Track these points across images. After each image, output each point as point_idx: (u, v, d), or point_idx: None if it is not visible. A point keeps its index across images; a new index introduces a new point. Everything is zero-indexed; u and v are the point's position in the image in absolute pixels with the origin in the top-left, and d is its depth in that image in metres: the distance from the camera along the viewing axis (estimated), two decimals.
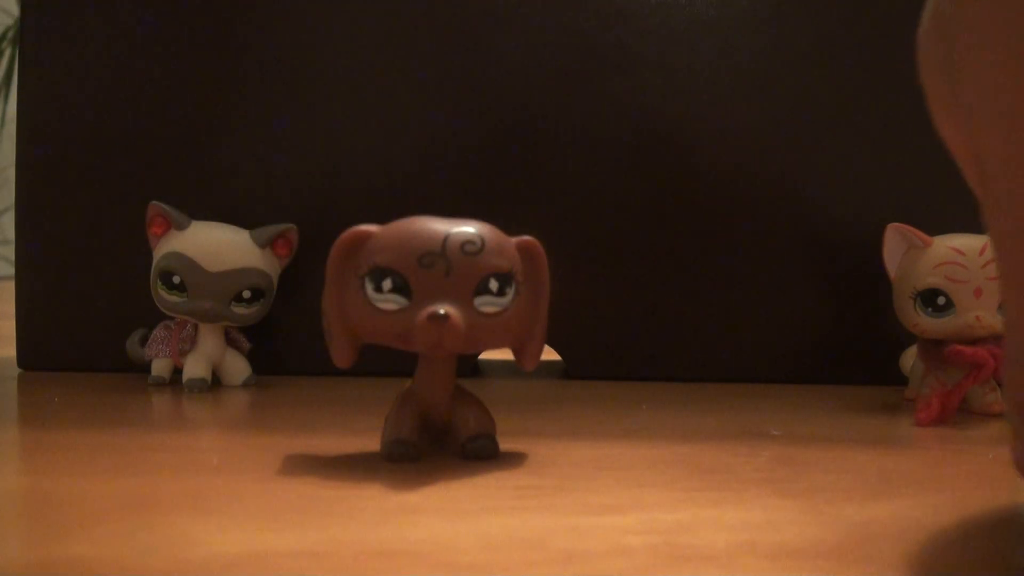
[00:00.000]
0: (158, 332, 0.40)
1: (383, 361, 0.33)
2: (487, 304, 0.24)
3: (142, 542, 0.18)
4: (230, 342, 0.40)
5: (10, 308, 0.45)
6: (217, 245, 0.39)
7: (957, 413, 0.34)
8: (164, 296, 0.38)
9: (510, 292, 0.24)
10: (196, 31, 0.44)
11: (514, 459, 0.26)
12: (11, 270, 0.46)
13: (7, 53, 1.72)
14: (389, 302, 0.24)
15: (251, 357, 0.41)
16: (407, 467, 0.24)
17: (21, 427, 0.30)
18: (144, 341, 0.41)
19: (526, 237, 0.26)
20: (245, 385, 0.40)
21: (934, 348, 0.35)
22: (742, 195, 0.44)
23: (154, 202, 0.39)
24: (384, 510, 0.20)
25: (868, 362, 0.43)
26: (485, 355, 0.47)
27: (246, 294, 0.39)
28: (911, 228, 0.36)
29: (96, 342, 0.43)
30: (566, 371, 0.45)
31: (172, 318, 0.40)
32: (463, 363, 0.41)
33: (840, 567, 0.17)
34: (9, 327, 0.45)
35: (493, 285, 0.24)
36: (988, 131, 0.16)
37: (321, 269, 0.25)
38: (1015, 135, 0.16)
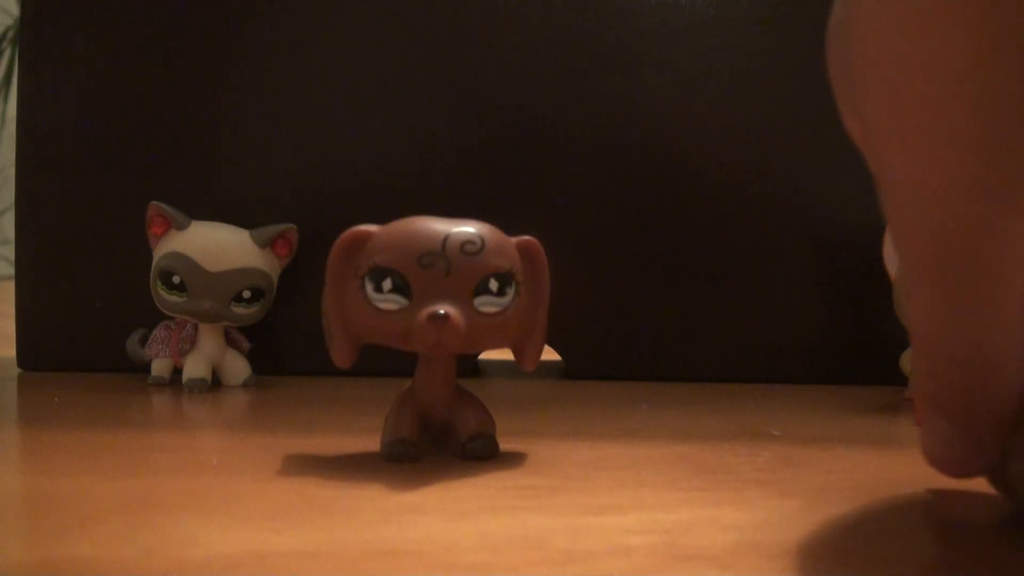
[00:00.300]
0: (158, 332, 0.40)
1: (383, 361, 0.33)
2: (487, 304, 0.24)
3: (142, 542, 0.18)
4: (230, 342, 0.40)
5: (10, 308, 0.45)
6: (217, 245, 0.39)
7: None
8: (164, 296, 0.38)
9: (510, 292, 0.24)
10: (196, 31, 0.44)
11: (514, 459, 0.26)
12: (11, 270, 0.46)
13: (7, 53, 1.72)
14: (389, 302, 0.24)
15: (251, 357, 0.41)
16: (407, 467, 0.24)
17: (21, 427, 0.30)
18: (144, 341, 0.41)
19: (526, 237, 0.26)
20: (245, 385, 0.40)
21: None
22: (742, 195, 0.44)
23: (154, 202, 0.39)
24: (384, 510, 0.20)
25: (868, 362, 0.43)
26: (485, 355, 0.47)
27: (246, 294, 0.39)
28: None
29: (96, 342, 0.43)
30: (566, 371, 0.45)
31: (172, 318, 0.40)
32: (463, 363, 0.41)
33: (840, 567, 0.17)
34: (9, 327, 0.45)
35: (493, 285, 0.24)
36: (877, 138, 0.17)
37: (321, 269, 0.25)
38: (900, 143, 0.17)
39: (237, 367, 0.40)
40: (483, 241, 0.24)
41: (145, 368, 0.40)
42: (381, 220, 0.25)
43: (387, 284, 0.24)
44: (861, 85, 0.17)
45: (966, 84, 0.15)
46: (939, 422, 0.19)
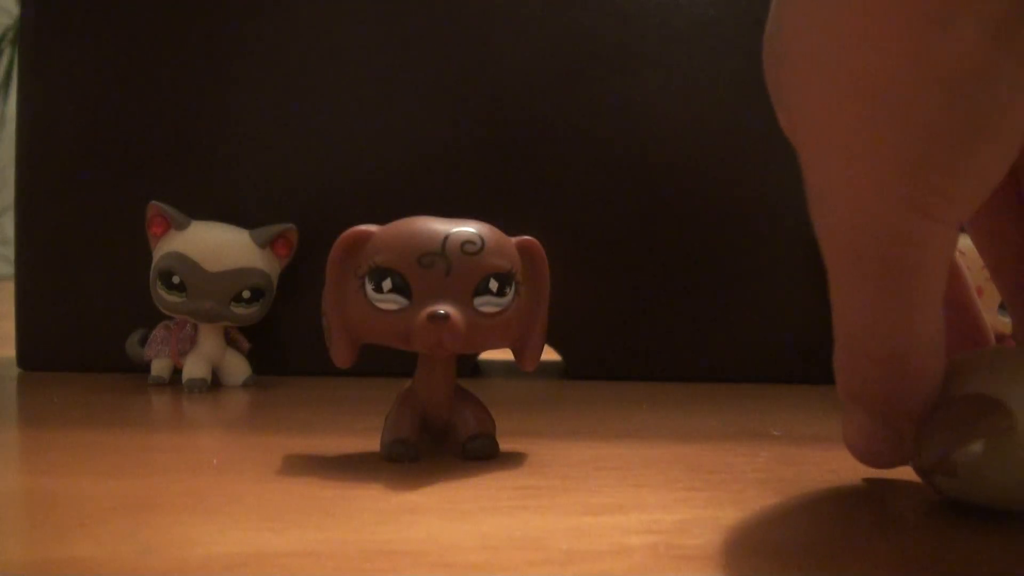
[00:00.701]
0: (158, 332, 0.40)
1: (383, 361, 0.33)
2: (487, 304, 0.24)
3: (142, 542, 0.18)
4: (230, 342, 0.40)
5: (10, 308, 0.45)
6: (217, 245, 0.39)
7: None
8: (164, 296, 0.38)
9: (510, 292, 0.24)
10: (196, 31, 0.44)
11: (514, 459, 0.26)
12: (11, 270, 0.46)
13: (7, 53, 1.73)
14: (389, 302, 0.24)
15: (251, 357, 0.41)
16: (407, 467, 0.24)
17: (21, 427, 0.30)
18: (144, 341, 0.41)
19: (526, 237, 0.26)
20: (245, 385, 0.40)
21: None
22: (743, 195, 0.44)
23: (154, 202, 0.39)
24: (384, 510, 0.20)
25: None
26: (485, 355, 0.47)
27: (246, 294, 0.39)
28: None
29: (96, 342, 0.43)
30: (566, 371, 0.45)
31: (172, 318, 0.40)
32: (463, 363, 0.41)
33: (840, 567, 0.17)
34: (9, 327, 0.45)
35: (493, 285, 0.24)
36: (804, 145, 0.19)
37: (321, 269, 0.25)
38: (825, 152, 0.18)
39: (237, 367, 0.40)
40: (483, 241, 0.24)
41: (145, 368, 0.40)
42: (381, 220, 0.25)
43: (387, 284, 0.24)
44: (789, 96, 0.18)
45: (886, 102, 0.16)
46: (859, 415, 0.20)
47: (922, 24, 0.16)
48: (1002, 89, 0.16)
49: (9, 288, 0.47)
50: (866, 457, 0.21)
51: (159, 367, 0.40)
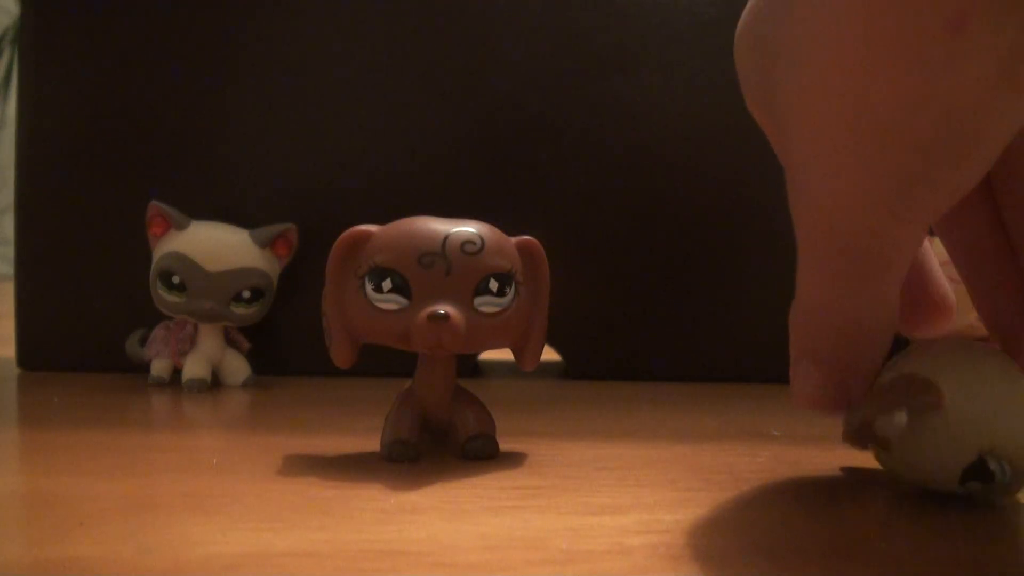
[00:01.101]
0: (158, 332, 0.40)
1: (383, 361, 0.33)
2: (487, 304, 0.24)
3: (142, 542, 0.18)
4: (230, 342, 0.40)
5: (10, 308, 0.45)
6: (217, 245, 0.39)
7: None
8: (164, 296, 0.38)
9: (510, 292, 0.24)
10: (196, 31, 0.44)
11: (514, 459, 0.26)
12: (11, 270, 0.46)
13: (7, 53, 1.73)
14: (389, 302, 0.24)
15: (251, 357, 0.41)
16: (407, 467, 0.24)
17: (21, 427, 0.30)
18: (144, 341, 0.41)
19: (526, 237, 0.26)
20: (245, 385, 0.40)
21: None
22: (743, 194, 0.44)
23: (154, 202, 0.39)
24: (384, 510, 0.20)
25: None
26: (485, 355, 0.47)
27: (246, 294, 0.39)
28: None
29: (96, 342, 0.43)
30: (566, 371, 0.45)
31: (172, 318, 0.40)
32: (463, 363, 0.41)
33: (840, 567, 0.17)
34: (9, 327, 0.45)
35: (493, 285, 0.24)
36: (796, 153, 0.20)
37: (321, 269, 0.25)
38: (819, 165, 0.19)
39: (237, 367, 0.40)
40: (483, 241, 0.24)
41: (145, 368, 0.40)
42: (381, 220, 0.25)
43: (387, 284, 0.24)
44: (778, 95, 0.19)
45: (883, 125, 0.17)
46: (809, 368, 0.22)
47: (930, 62, 0.16)
48: (996, 116, 0.17)
49: (9, 288, 0.47)
50: (812, 405, 0.22)
51: (159, 367, 0.40)
